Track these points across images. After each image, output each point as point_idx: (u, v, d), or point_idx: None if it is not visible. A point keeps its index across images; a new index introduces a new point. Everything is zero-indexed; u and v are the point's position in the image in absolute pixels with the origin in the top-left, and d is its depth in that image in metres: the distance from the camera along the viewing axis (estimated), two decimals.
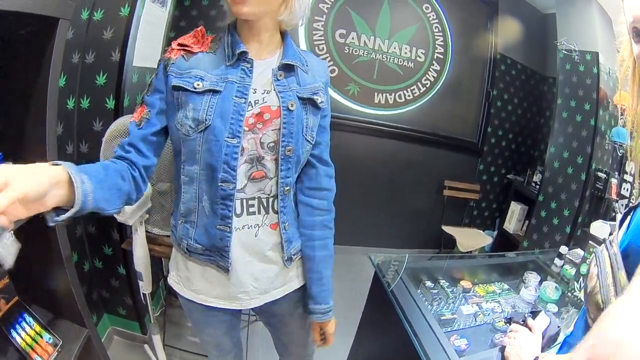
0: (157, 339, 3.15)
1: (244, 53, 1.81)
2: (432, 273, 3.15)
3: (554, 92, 5.65)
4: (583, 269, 3.10)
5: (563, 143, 5.29)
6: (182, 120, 1.80)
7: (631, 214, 1.43)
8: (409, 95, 6.23)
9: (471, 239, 6.24)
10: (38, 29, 1.92)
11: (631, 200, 4.35)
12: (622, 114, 4.68)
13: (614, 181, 4.69)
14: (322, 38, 5.70)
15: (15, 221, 1.22)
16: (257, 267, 2.03)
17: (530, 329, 1.96)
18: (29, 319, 2.19)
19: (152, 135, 1.83)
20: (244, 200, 1.92)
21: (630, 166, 4.54)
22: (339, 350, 3.62)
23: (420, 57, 6.20)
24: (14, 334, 2.06)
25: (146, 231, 2.66)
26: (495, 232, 6.94)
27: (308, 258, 2.20)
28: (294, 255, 2.16)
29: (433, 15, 6.19)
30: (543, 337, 1.93)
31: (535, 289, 2.99)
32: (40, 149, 2.00)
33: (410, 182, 6.52)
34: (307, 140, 1.99)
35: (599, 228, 3.86)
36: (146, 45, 3.26)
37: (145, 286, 2.83)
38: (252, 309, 2.19)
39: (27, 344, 2.08)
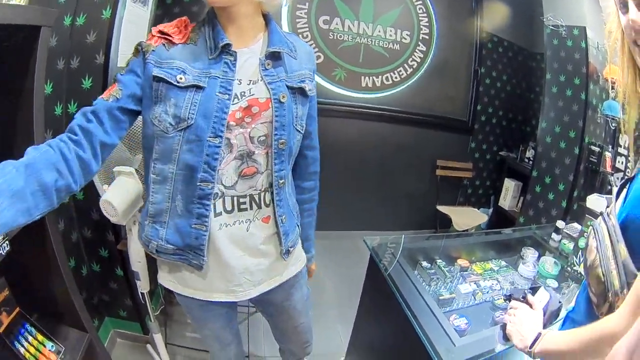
0: (158, 338, 3.15)
1: (227, 45, 1.76)
2: (429, 253, 3.14)
3: (542, 68, 5.65)
4: (581, 243, 3.09)
5: (554, 118, 5.28)
6: (160, 115, 1.74)
7: (627, 186, 1.43)
8: (395, 78, 6.21)
9: (466, 217, 6.24)
10: (21, 38, 1.90)
11: (626, 173, 4.35)
12: (612, 87, 4.69)
13: (608, 154, 4.68)
14: (306, 25, 5.67)
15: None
16: (249, 261, 2.03)
17: (530, 306, 1.95)
18: (30, 328, 2.17)
19: (119, 111, 1.73)
20: (235, 198, 1.91)
21: (624, 139, 4.54)
22: (339, 335, 3.63)
23: (405, 39, 6.17)
24: (18, 345, 2.03)
25: None
26: (491, 210, 6.95)
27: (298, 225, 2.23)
28: (290, 247, 2.16)
29: None
30: (544, 313, 1.92)
31: (533, 264, 2.98)
32: None
33: (402, 163, 6.51)
34: (298, 131, 1.97)
35: (595, 201, 3.86)
36: (129, 46, 3.13)
37: (143, 285, 2.82)
38: (248, 299, 2.18)
39: (31, 354, 2.06)
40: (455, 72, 6.62)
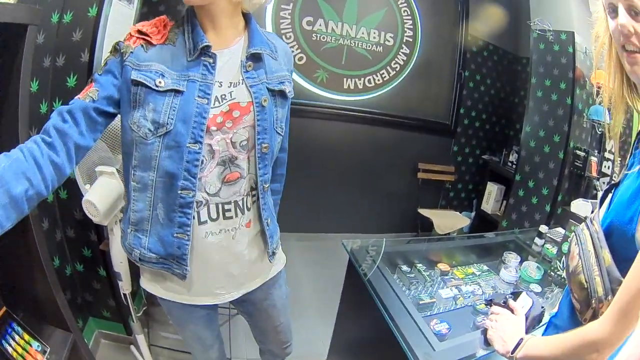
0: (141, 339, 3.13)
1: (207, 47, 1.73)
2: (409, 257, 3.12)
3: (527, 72, 5.64)
4: (565, 248, 3.09)
5: (539, 122, 5.29)
6: (139, 121, 1.70)
7: (612, 191, 1.41)
8: (378, 80, 6.19)
9: (448, 220, 6.24)
10: (7, 36, 1.89)
11: (613, 178, 4.37)
12: (598, 93, 4.71)
13: (593, 159, 4.70)
14: (289, 26, 5.63)
15: None
16: (234, 266, 2.02)
17: (512, 311, 1.94)
18: (17, 328, 2.17)
19: (95, 112, 1.67)
20: (220, 205, 1.89)
21: (610, 144, 4.56)
22: (320, 338, 3.60)
23: (389, 41, 6.15)
24: (5, 344, 2.03)
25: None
26: (473, 213, 6.95)
27: None
28: (276, 249, 2.17)
29: None
30: (527, 319, 1.91)
31: (515, 269, 2.96)
32: None
33: (384, 166, 6.49)
34: (278, 133, 1.96)
35: (580, 206, 3.87)
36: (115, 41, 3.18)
37: (125, 286, 2.81)
38: (230, 301, 2.16)
39: (18, 353, 2.06)
40: (438, 75, 6.63)
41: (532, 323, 2.02)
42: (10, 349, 2.02)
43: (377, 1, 6.05)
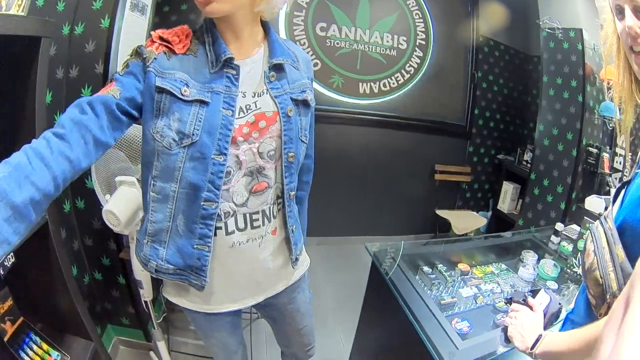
0: (161, 345, 3.12)
1: (230, 59, 1.69)
2: (429, 258, 3.14)
3: (539, 71, 5.65)
4: (580, 245, 3.10)
5: (552, 120, 5.29)
6: (163, 130, 1.67)
7: (625, 188, 1.44)
8: (393, 83, 6.20)
9: (465, 221, 6.24)
10: (22, 49, 1.89)
11: (624, 174, 4.36)
12: (609, 89, 4.70)
13: (605, 155, 4.70)
14: (303, 32, 5.66)
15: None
16: (257, 272, 2.02)
17: (531, 308, 1.96)
18: (35, 338, 2.17)
19: (117, 109, 1.59)
20: (247, 215, 1.88)
21: (621, 139, 4.56)
22: (341, 341, 3.63)
23: (402, 45, 6.16)
24: (23, 354, 2.03)
25: None
26: (490, 213, 6.94)
27: None
28: (299, 255, 2.16)
29: (413, 2, 6.15)
30: (545, 315, 1.93)
31: (533, 267, 2.98)
32: None
33: (400, 169, 6.49)
34: (302, 142, 1.95)
35: (593, 203, 3.87)
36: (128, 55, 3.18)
37: (146, 294, 2.80)
38: (252, 305, 2.16)
39: None
40: (452, 77, 6.61)
41: (550, 319, 2.05)
42: (27, 359, 2.04)
43: (389, 5, 6.07)
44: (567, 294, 2.84)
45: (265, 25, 1.88)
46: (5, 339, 1.99)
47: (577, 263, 3.08)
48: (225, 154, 1.70)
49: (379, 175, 6.42)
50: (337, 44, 5.85)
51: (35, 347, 2.14)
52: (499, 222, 6.56)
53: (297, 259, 2.15)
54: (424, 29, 6.24)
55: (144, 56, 1.65)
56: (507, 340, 1.92)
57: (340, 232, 6.31)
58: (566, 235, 3.39)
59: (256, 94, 1.79)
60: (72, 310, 2.34)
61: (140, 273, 2.70)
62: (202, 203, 1.74)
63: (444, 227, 6.45)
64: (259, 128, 1.78)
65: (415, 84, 6.32)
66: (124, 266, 3.33)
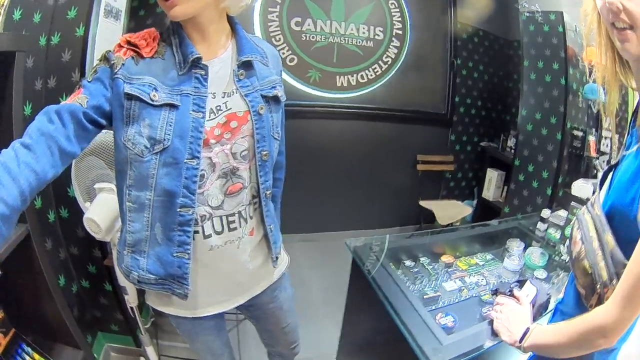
0: (150, 350, 3.15)
1: (198, 59, 1.68)
2: (412, 251, 3.10)
3: (519, 55, 5.63)
4: (568, 231, 3.07)
5: (534, 105, 5.28)
6: (134, 137, 1.64)
7: (612, 172, 1.40)
8: (371, 75, 6.17)
9: (450, 210, 6.23)
10: None
11: (612, 157, 4.38)
12: (591, 71, 4.69)
13: (591, 138, 4.69)
14: (278, 28, 5.61)
15: None
16: (238, 273, 2.02)
17: (517, 300, 1.92)
18: (27, 349, 2.20)
19: (84, 118, 1.57)
20: (224, 217, 1.86)
21: (607, 122, 4.55)
22: (328, 338, 3.59)
23: (378, 36, 6.12)
24: None
25: None
26: (475, 202, 6.95)
27: None
28: (279, 253, 2.17)
29: None
30: (532, 307, 1.90)
31: (519, 257, 2.93)
32: None
33: (382, 160, 6.48)
34: (275, 139, 1.94)
35: (580, 187, 3.85)
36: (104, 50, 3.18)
37: (131, 300, 2.82)
38: (236, 307, 2.16)
39: None
40: (431, 65, 6.59)
41: (539, 310, 2.02)
42: None
43: None
44: (556, 282, 2.80)
45: (231, 22, 1.86)
46: None
47: (565, 250, 3.03)
48: (198, 158, 1.69)
49: (360, 168, 6.40)
50: (313, 37, 5.80)
51: (27, 358, 2.18)
52: (485, 211, 6.55)
53: (277, 258, 2.16)
54: (400, 19, 6.19)
55: (112, 62, 1.64)
56: (494, 333, 1.89)
57: (323, 227, 6.30)
58: (553, 222, 3.36)
59: (226, 94, 1.79)
60: (60, 319, 2.40)
61: (124, 279, 2.66)
62: (178, 209, 1.72)
63: (429, 218, 6.42)
64: (230, 128, 1.77)
65: (393, 75, 6.29)
66: (109, 273, 3.32)
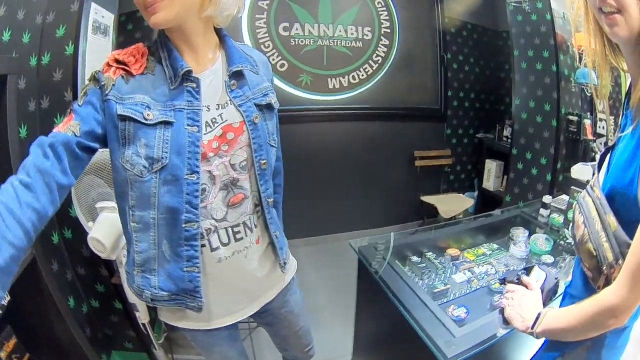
0: None
1: (188, 72, 1.66)
2: (417, 247, 3.11)
3: (509, 46, 5.65)
4: (570, 215, 3.08)
5: (527, 93, 5.29)
6: (132, 158, 1.63)
7: (609, 154, 1.41)
8: (362, 75, 6.17)
9: (452, 204, 6.24)
10: None
11: (610, 137, 4.38)
12: (580, 56, 4.69)
13: (587, 122, 4.70)
14: (267, 35, 5.61)
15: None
16: (248, 282, 2.02)
17: (526, 286, 1.93)
18: None
19: (78, 147, 1.56)
20: (229, 229, 1.86)
21: (601, 105, 4.57)
22: (341, 339, 3.60)
23: (367, 35, 6.13)
24: None
25: None
26: (476, 193, 6.94)
27: None
28: (286, 259, 2.17)
29: None
30: (542, 292, 1.90)
31: (524, 244, 2.95)
32: None
33: (380, 159, 6.48)
34: (272, 146, 1.94)
35: (579, 171, 3.86)
36: (93, 70, 3.16)
37: (142, 316, 2.80)
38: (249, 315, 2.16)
39: None
40: (421, 62, 6.60)
41: (549, 295, 2.01)
42: None
43: None
44: (563, 266, 2.80)
45: (219, 33, 1.85)
46: None
47: (569, 234, 3.04)
48: (197, 172, 1.68)
49: (359, 169, 6.41)
50: (302, 42, 5.80)
51: None
52: (487, 201, 6.56)
53: (285, 263, 2.16)
54: (387, 17, 6.20)
55: (102, 83, 1.62)
56: (506, 322, 1.89)
57: (326, 230, 6.30)
58: (555, 207, 3.38)
59: (220, 106, 1.78)
60: (72, 340, 2.39)
61: (133, 296, 2.66)
62: (183, 225, 1.71)
63: (432, 213, 6.42)
64: (227, 140, 1.77)
65: (384, 73, 6.30)
66: (118, 291, 3.31)
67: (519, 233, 3.09)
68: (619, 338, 1.57)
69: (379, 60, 6.21)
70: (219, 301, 1.96)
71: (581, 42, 4.47)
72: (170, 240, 1.74)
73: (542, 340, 1.76)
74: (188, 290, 1.81)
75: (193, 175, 1.67)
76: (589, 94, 4.81)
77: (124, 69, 1.64)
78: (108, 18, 3.36)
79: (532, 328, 1.59)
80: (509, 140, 5.89)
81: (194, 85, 1.69)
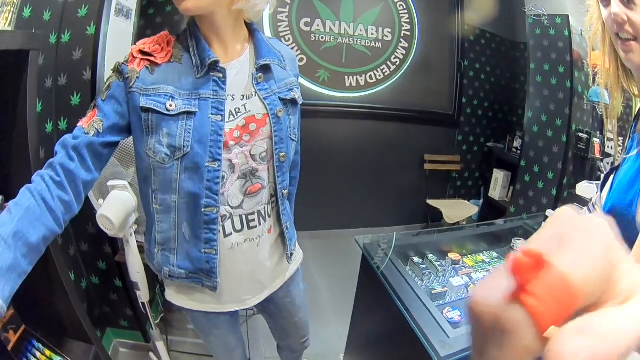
0: (160, 346, 3.14)
1: (215, 62, 1.68)
2: (420, 248, 3.14)
3: (526, 58, 5.65)
4: None
5: (540, 107, 5.30)
6: (155, 147, 1.69)
7: (614, 174, 1.43)
8: (379, 75, 6.20)
9: (457, 210, 6.26)
10: (11, 62, 1.92)
11: (616, 158, 4.40)
12: (594, 75, 4.71)
13: (596, 141, 4.70)
14: (288, 29, 5.65)
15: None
16: (258, 271, 2.05)
17: None
18: (38, 344, 2.20)
19: (101, 146, 1.66)
20: (244, 216, 1.90)
21: (611, 124, 4.58)
22: (337, 333, 3.64)
23: (387, 37, 6.15)
24: None
25: (137, 241, 2.63)
26: (481, 201, 6.94)
27: None
28: (294, 250, 2.20)
29: None
30: None
31: None
32: (26, 175, 1.95)
33: (390, 159, 6.50)
34: (292, 140, 1.97)
35: (585, 188, 3.89)
36: (115, 60, 3.14)
37: (143, 295, 2.80)
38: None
39: None
40: (438, 67, 6.61)
41: None
42: None
43: None
44: None
45: (249, 26, 1.88)
46: (9, 348, 2.02)
47: None
48: (219, 160, 1.72)
49: (369, 167, 6.43)
50: (322, 38, 5.85)
51: (38, 354, 2.17)
52: (491, 210, 6.56)
53: (292, 254, 2.19)
54: (408, 20, 6.22)
55: (126, 76, 1.66)
56: None
57: (332, 225, 6.32)
58: None
59: (245, 97, 1.80)
60: (72, 314, 2.39)
61: (137, 275, 2.71)
62: (203, 210, 1.76)
63: (436, 216, 6.45)
64: (249, 131, 1.79)
65: (401, 75, 6.32)
66: (120, 269, 3.34)
67: (520, 243, 3.11)
68: None
69: (397, 62, 6.23)
70: (229, 288, 1.99)
71: (596, 61, 4.52)
72: (191, 223, 1.80)
73: None
74: (205, 270, 1.86)
75: (215, 162, 1.71)
76: (600, 113, 4.82)
77: (148, 60, 1.67)
78: (131, 1, 3.40)
79: None
80: (519, 152, 5.91)
81: (221, 75, 1.71)
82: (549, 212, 3.53)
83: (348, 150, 6.26)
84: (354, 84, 6.09)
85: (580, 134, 4.84)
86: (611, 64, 1.36)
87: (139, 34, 3.61)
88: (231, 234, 1.89)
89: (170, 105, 1.64)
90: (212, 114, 1.69)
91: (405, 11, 6.19)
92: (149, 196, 1.84)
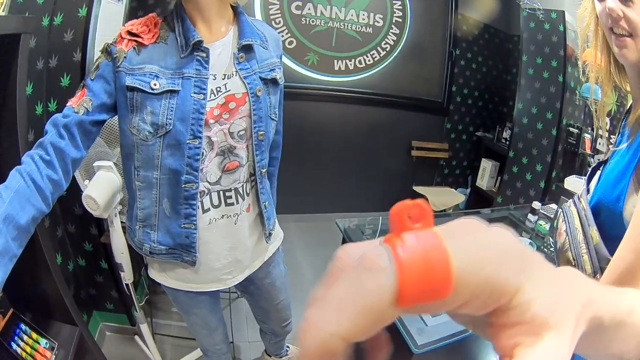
0: (144, 328, 3.16)
1: (199, 42, 1.74)
2: None
3: (519, 50, 5.67)
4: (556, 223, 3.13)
5: (531, 99, 5.32)
6: (138, 124, 1.75)
7: (601, 168, 1.43)
8: (369, 60, 6.18)
9: (444, 197, 6.27)
10: (2, 45, 1.92)
11: (605, 154, 4.41)
12: (584, 70, 4.70)
13: (587, 136, 4.73)
14: (278, 12, 5.60)
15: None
16: (237, 250, 2.08)
17: None
18: (25, 328, 2.20)
19: (90, 124, 1.73)
20: (221, 192, 1.95)
21: (602, 120, 4.58)
22: None
23: (378, 22, 6.12)
24: (15, 346, 2.06)
25: (122, 222, 2.66)
26: (469, 190, 6.99)
27: None
28: (272, 230, 2.22)
29: None
30: None
31: None
32: (14, 157, 1.98)
33: (378, 145, 6.51)
34: (272, 119, 2.00)
35: (573, 183, 3.90)
36: (106, 41, 3.15)
37: (127, 276, 2.82)
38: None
39: (27, 353, 2.09)
40: (429, 54, 6.60)
41: None
42: (19, 350, 2.06)
43: None
44: None
45: (235, 9, 1.92)
46: None
47: (553, 242, 3.10)
48: (200, 137, 1.79)
49: (355, 151, 6.43)
50: (313, 22, 5.80)
51: (25, 337, 2.17)
52: (478, 199, 6.61)
53: (270, 234, 2.22)
54: (400, 7, 6.18)
55: (114, 56, 1.73)
56: None
57: (317, 209, 6.35)
58: (544, 214, 3.41)
59: (226, 76, 1.86)
60: (58, 297, 2.38)
61: (120, 256, 2.73)
62: (183, 185, 1.84)
63: None
64: (229, 109, 1.85)
65: (391, 61, 6.31)
66: (106, 251, 3.34)
67: None
68: None
69: (387, 47, 6.21)
70: (209, 265, 2.04)
71: (586, 57, 4.52)
72: (171, 198, 1.86)
73: None
74: (184, 245, 1.93)
75: (195, 140, 1.78)
76: (592, 109, 4.84)
77: (135, 41, 1.73)
78: None
79: None
80: (507, 143, 5.93)
81: (204, 55, 1.77)
82: (535, 204, 3.55)
83: (335, 134, 6.26)
84: (342, 68, 6.08)
85: (571, 129, 4.87)
86: (603, 59, 1.36)
87: (131, 16, 3.57)
88: (209, 209, 1.95)
89: (155, 84, 1.70)
90: (195, 93, 1.75)
91: None
92: (132, 172, 1.89)
